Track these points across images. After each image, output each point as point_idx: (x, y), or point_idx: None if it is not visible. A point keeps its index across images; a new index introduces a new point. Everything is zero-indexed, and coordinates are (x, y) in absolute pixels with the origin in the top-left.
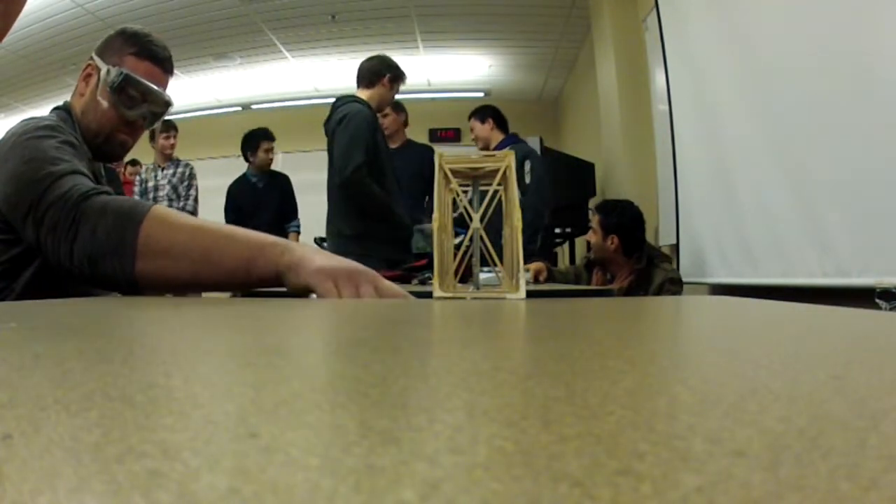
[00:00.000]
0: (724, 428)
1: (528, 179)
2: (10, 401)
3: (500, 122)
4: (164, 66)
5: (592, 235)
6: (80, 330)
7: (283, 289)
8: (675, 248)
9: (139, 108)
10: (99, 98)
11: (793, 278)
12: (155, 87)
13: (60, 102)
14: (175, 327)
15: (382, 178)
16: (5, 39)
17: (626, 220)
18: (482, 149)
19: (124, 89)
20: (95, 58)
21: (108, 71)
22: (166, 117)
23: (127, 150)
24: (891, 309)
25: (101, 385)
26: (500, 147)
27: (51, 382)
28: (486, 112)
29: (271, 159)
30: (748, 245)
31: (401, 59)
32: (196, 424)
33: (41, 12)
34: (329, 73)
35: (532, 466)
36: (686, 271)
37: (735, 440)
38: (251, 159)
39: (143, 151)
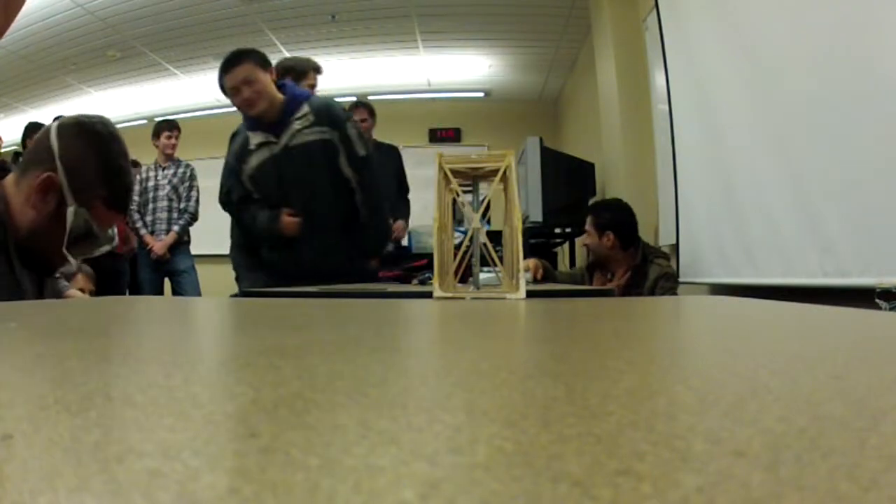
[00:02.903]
0: (724, 428)
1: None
2: (10, 401)
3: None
4: (127, 210)
5: (588, 238)
6: (80, 330)
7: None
8: (675, 247)
9: (89, 252)
10: (55, 227)
11: (793, 278)
12: (111, 242)
13: (60, 103)
14: (174, 327)
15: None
16: (5, 38)
17: (618, 215)
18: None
19: (84, 237)
20: (61, 175)
21: (76, 213)
22: (169, 117)
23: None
24: (891, 309)
25: (101, 385)
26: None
27: (51, 382)
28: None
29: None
30: (748, 245)
31: (401, 59)
32: (196, 424)
33: (41, 12)
34: (329, 73)
35: (532, 466)
36: (686, 271)
37: (735, 440)
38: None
39: (143, 151)
